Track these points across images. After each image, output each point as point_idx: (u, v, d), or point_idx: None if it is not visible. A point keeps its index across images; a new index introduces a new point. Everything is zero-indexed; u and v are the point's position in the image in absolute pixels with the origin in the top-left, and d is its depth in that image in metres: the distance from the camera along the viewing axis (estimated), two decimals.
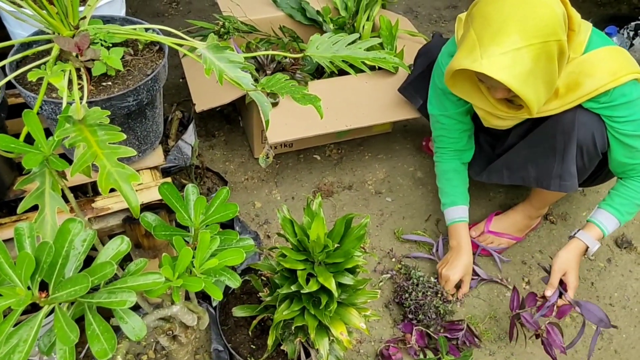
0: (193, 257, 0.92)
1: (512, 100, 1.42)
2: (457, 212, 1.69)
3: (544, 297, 1.50)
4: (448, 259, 1.67)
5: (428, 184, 2.02)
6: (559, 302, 1.48)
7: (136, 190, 1.24)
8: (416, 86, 1.79)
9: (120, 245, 0.84)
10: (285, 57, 1.85)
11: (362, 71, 1.88)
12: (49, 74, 0.88)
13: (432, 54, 1.66)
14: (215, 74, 1.02)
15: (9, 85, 1.14)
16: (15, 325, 0.75)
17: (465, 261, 1.64)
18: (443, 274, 1.64)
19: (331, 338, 1.23)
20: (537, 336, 1.46)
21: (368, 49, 1.15)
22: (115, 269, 0.79)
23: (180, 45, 1.08)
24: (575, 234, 1.54)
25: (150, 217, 1.00)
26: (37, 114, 0.99)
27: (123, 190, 0.83)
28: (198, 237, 0.93)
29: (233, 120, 2.19)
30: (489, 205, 1.95)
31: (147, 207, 1.25)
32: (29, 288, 0.77)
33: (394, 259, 1.77)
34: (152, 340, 1.42)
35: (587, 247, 1.52)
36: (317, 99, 1.00)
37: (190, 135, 1.76)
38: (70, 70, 1.00)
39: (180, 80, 2.31)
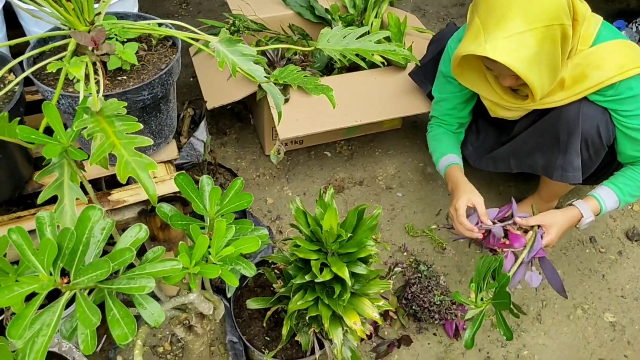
0: (209, 246, 0.94)
1: (517, 90, 1.42)
2: (448, 159, 1.63)
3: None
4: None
5: (438, 179, 2.02)
6: (518, 221, 1.44)
7: None
8: (426, 72, 1.80)
9: (138, 232, 0.86)
10: (296, 54, 1.87)
11: (374, 66, 1.91)
12: (68, 65, 0.90)
13: (445, 41, 1.67)
14: (229, 66, 1.04)
15: (27, 82, 1.17)
16: (39, 310, 0.77)
17: (466, 191, 1.52)
18: (450, 214, 1.54)
19: (345, 328, 1.24)
20: (493, 251, 1.44)
21: (378, 42, 1.17)
22: (134, 255, 0.81)
23: (194, 39, 1.10)
24: (573, 202, 1.51)
25: (166, 208, 1.02)
26: (56, 106, 1.01)
27: (141, 179, 0.85)
28: (214, 226, 0.95)
29: (244, 118, 2.21)
30: (499, 200, 1.96)
31: (161, 200, 1.26)
32: (51, 275, 0.79)
33: (405, 253, 1.78)
34: (167, 332, 1.44)
35: (581, 217, 1.48)
36: (329, 89, 1.02)
37: (202, 132, 1.78)
38: (87, 64, 1.02)
39: (191, 79, 2.33)
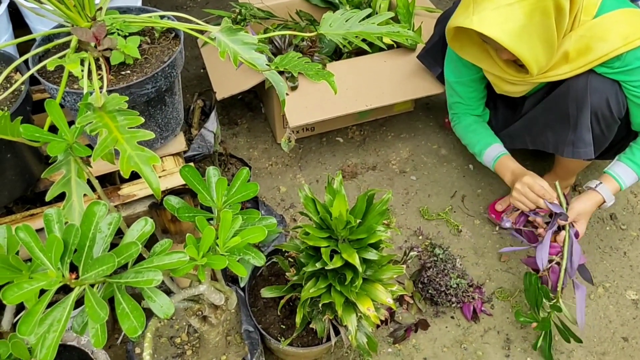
0: (217, 237, 0.94)
1: (521, 65, 1.39)
2: (495, 150, 1.62)
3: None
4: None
5: (452, 161, 2.00)
6: (559, 239, 1.43)
7: (160, 177, 1.27)
8: (434, 54, 1.77)
9: (144, 226, 0.87)
10: (303, 40, 1.85)
11: (380, 50, 1.88)
12: (67, 62, 0.90)
13: None
14: (230, 56, 1.03)
15: (33, 81, 1.18)
16: (49, 307, 0.78)
17: (534, 175, 1.51)
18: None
19: (359, 314, 1.23)
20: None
21: (381, 24, 1.15)
22: (140, 249, 0.81)
23: (196, 31, 1.09)
24: (596, 186, 1.48)
25: (173, 200, 1.03)
26: (60, 105, 1.02)
27: (143, 172, 0.85)
28: (220, 217, 0.95)
29: (255, 107, 2.20)
30: None
31: (171, 193, 1.27)
32: (59, 270, 0.80)
33: (420, 237, 1.77)
34: (184, 323, 1.45)
35: (604, 201, 1.47)
36: (330, 75, 1.00)
37: (212, 123, 1.78)
38: (89, 60, 1.02)
39: (201, 70, 2.33)
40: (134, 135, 0.87)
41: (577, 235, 1.42)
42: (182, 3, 2.75)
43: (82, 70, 0.97)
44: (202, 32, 1.11)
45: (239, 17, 1.93)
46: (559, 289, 1.38)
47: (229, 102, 2.18)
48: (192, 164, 1.29)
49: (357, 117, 2.06)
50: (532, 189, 1.46)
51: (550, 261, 1.41)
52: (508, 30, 1.20)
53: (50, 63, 0.91)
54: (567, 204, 1.45)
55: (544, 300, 1.42)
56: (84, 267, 0.81)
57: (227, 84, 1.85)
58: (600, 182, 1.48)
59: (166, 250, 0.89)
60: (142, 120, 0.87)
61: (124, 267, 0.85)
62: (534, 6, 1.19)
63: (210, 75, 1.91)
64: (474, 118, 1.68)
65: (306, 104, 1.77)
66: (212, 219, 1.04)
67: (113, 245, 0.87)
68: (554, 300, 1.39)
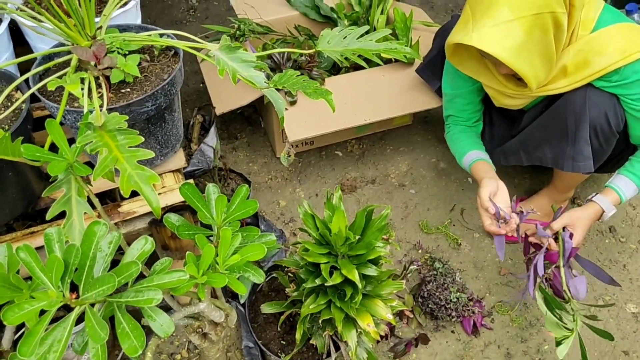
0: (217, 255, 0.94)
1: (520, 78, 1.41)
2: (472, 155, 1.61)
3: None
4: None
5: (451, 174, 2.00)
6: (552, 245, 1.42)
7: (159, 194, 1.27)
8: (433, 68, 1.79)
9: (144, 245, 0.87)
10: (301, 55, 1.86)
11: (377, 65, 1.90)
12: (67, 82, 0.91)
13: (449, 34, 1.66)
14: (229, 74, 1.04)
15: (34, 98, 1.18)
16: (50, 325, 0.78)
17: (490, 184, 1.46)
18: (480, 212, 1.47)
19: (359, 330, 1.23)
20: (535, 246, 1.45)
21: (379, 41, 1.16)
22: (141, 268, 0.81)
23: (194, 48, 1.10)
24: (592, 197, 1.50)
25: (173, 218, 1.03)
26: (61, 123, 1.02)
27: (144, 192, 0.85)
28: (220, 235, 0.95)
29: (254, 121, 2.21)
30: (515, 192, 1.93)
31: (171, 209, 1.27)
32: (60, 290, 0.80)
33: (420, 251, 1.77)
34: (184, 340, 1.45)
35: (603, 212, 1.48)
36: (329, 93, 1.01)
37: (212, 138, 1.79)
38: (89, 79, 1.03)
39: (201, 85, 2.35)
40: (134, 155, 0.88)
41: (571, 237, 1.43)
42: (182, 18, 2.77)
43: (82, 89, 0.98)
44: (201, 50, 1.12)
45: (237, 32, 1.94)
46: (564, 287, 1.37)
47: (228, 117, 2.19)
48: (191, 180, 1.29)
49: (356, 131, 2.07)
50: (480, 204, 1.46)
51: (547, 268, 1.42)
52: (507, 46, 1.21)
53: (50, 83, 0.92)
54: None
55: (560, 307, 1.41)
56: (85, 287, 0.81)
57: (226, 98, 1.86)
58: (597, 193, 1.49)
59: (166, 268, 0.89)
60: (142, 139, 0.88)
61: (124, 286, 0.85)
62: (533, 23, 1.21)
63: (210, 90, 1.92)
64: (464, 128, 1.69)
65: (305, 118, 1.78)
66: (211, 235, 1.05)
67: (114, 262, 0.88)
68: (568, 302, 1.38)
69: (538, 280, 1.38)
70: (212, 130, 1.81)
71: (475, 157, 1.60)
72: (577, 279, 1.37)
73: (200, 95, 2.30)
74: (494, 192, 1.44)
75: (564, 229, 1.44)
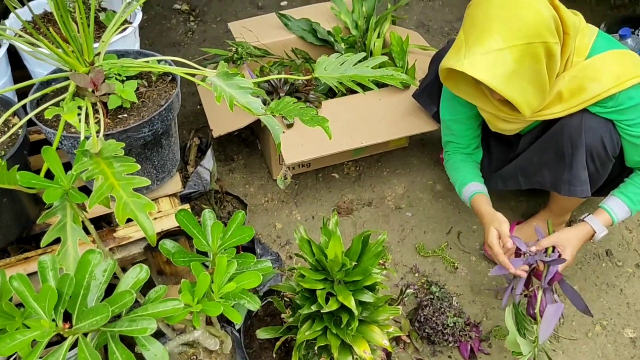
0: (212, 282, 0.94)
1: None
2: (471, 188, 1.62)
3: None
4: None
5: (448, 197, 2.01)
6: (540, 265, 1.42)
7: (155, 218, 1.27)
8: (430, 92, 1.80)
9: (139, 273, 0.87)
10: (298, 79, 1.88)
11: (383, 85, 1.91)
12: (65, 111, 0.91)
13: None
14: (226, 100, 1.04)
15: (31, 121, 1.19)
16: (43, 356, 0.77)
17: (491, 221, 1.50)
18: (487, 251, 1.53)
19: (355, 357, 1.22)
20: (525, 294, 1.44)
21: (375, 67, 1.17)
22: (135, 297, 0.81)
23: (192, 75, 1.11)
24: (584, 217, 1.50)
25: (169, 245, 1.03)
26: (58, 148, 1.02)
27: (139, 220, 0.85)
28: (216, 262, 0.95)
29: (251, 143, 2.22)
30: (511, 215, 1.93)
31: (167, 234, 1.27)
32: (53, 320, 0.79)
33: (417, 274, 1.76)
34: None
35: (594, 233, 1.48)
36: (325, 120, 1.02)
37: (208, 161, 1.79)
38: (86, 106, 1.03)
39: (198, 107, 2.35)
40: (130, 182, 0.88)
41: (560, 259, 1.42)
42: (180, 40, 2.79)
43: (80, 115, 0.98)
44: (197, 76, 1.13)
45: (235, 55, 1.96)
46: (537, 310, 1.37)
47: (225, 138, 2.20)
48: (187, 206, 1.29)
49: (353, 153, 2.07)
50: (491, 249, 1.48)
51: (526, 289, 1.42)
52: (498, 74, 1.23)
53: (48, 112, 0.92)
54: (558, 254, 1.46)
55: (526, 326, 1.41)
56: (78, 317, 0.81)
57: (223, 121, 1.86)
58: (590, 214, 1.49)
59: (161, 297, 0.89)
60: (138, 167, 0.88)
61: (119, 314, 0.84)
62: (523, 52, 1.22)
63: (207, 113, 1.92)
64: (463, 156, 1.69)
65: (302, 141, 1.79)
66: (207, 262, 1.04)
67: (110, 285, 0.87)
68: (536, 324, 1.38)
69: (515, 294, 1.40)
70: (209, 152, 1.81)
71: (475, 190, 1.61)
72: (554, 306, 1.37)
73: (198, 117, 2.30)
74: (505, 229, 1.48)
75: (553, 248, 1.44)
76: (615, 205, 1.48)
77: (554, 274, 1.39)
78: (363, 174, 2.10)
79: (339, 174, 2.10)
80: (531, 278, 1.45)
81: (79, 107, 0.99)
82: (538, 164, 1.52)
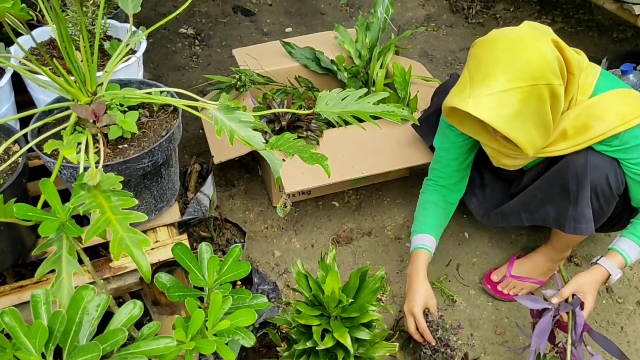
0: (206, 318, 0.93)
1: None
2: (423, 240, 1.63)
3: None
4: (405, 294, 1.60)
5: (448, 228, 1.99)
6: (564, 317, 1.39)
7: (152, 248, 1.26)
8: (429, 124, 1.80)
9: (132, 309, 0.86)
10: (300, 107, 1.88)
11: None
12: (64, 145, 0.91)
13: (448, 93, 1.68)
14: (227, 134, 1.04)
15: (32, 147, 1.19)
16: None
17: (423, 289, 1.54)
18: (405, 311, 1.52)
19: None
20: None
21: (376, 103, 1.17)
22: (127, 336, 0.80)
23: (193, 107, 1.11)
24: (597, 260, 1.49)
25: (164, 278, 1.02)
26: (57, 176, 1.02)
27: (135, 256, 0.84)
28: (211, 299, 0.94)
29: (252, 169, 2.22)
30: (511, 248, 1.92)
31: (164, 264, 1.26)
32: (43, 355, 0.79)
33: None
34: None
35: (609, 275, 1.46)
36: (324, 159, 1.02)
37: (208, 187, 1.79)
38: (86, 136, 1.03)
39: (200, 131, 2.36)
40: (127, 217, 0.88)
41: (582, 306, 1.39)
42: (184, 64, 2.82)
43: (79, 147, 0.98)
44: (201, 109, 1.14)
45: (238, 83, 1.97)
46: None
47: (226, 164, 2.19)
48: (185, 236, 1.28)
49: (353, 182, 2.07)
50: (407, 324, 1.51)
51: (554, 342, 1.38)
52: (502, 115, 1.23)
53: (47, 145, 0.93)
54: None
55: None
56: (69, 354, 0.80)
57: (224, 147, 1.87)
58: (602, 256, 1.48)
59: (153, 333, 0.88)
60: (136, 202, 0.87)
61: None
62: (528, 93, 1.22)
63: (209, 139, 1.93)
64: (438, 197, 1.69)
65: (302, 169, 1.79)
66: (202, 297, 1.03)
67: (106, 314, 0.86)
68: None
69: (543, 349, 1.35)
70: (209, 179, 1.81)
71: (422, 244, 1.63)
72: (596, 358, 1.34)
73: (200, 142, 2.31)
74: (426, 307, 1.51)
75: (572, 296, 1.42)
76: (627, 247, 1.47)
77: (582, 324, 1.36)
78: (363, 203, 2.10)
79: (339, 202, 2.10)
80: (554, 331, 1.41)
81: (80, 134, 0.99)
82: (542, 200, 1.51)
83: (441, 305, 1.76)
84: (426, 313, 1.51)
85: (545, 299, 1.46)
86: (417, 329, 1.49)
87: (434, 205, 1.68)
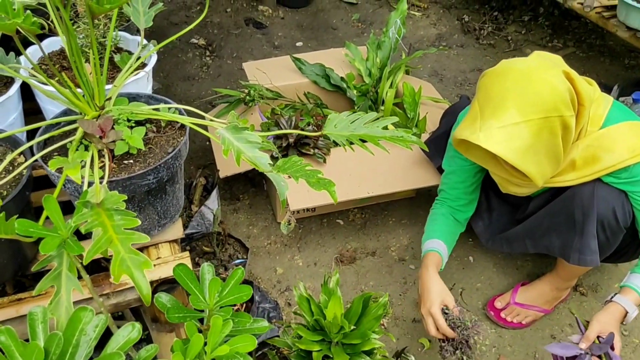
0: (205, 341, 0.91)
1: None
2: (432, 243, 1.60)
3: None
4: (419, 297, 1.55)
5: (452, 252, 1.96)
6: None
7: (154, 265, 1.25)
8: (437, 145, 1.79)
9: (130, 332, 0.84)
10: (309, 124, 1.88)
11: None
12: (69, 163, 0.90)
13: (457, 115, 1.66)
14: (233, 154, 1.03)
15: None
16: None
17: (437, 287, 1.49)
18: (423, 314, 1.46)
19: None
20: None
21: (385, 128, 1.16)
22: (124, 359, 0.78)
23: (201, 126, 1.10)
24: (612, 298, 1.45)
25: (164, 298, 1.00)
26: (61, 189, 1.01)
27: (135, 279, 0.83)
28: (211, 323, 0.92)
29: (258, 183, 2.21)
30: (517, 274, 1.90)
31: (165, 281, 1.25)
32: None
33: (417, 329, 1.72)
34: None
35: (626, 313, 1.42)
36: (331, 185, 1.00)
37: (213, 202, 1.78)
38: (92, 151, 1.03)
39: (207, 143, 2.35)
40: (129, 237, 0.86)
41: (612, 348, 1.36)
42: (194, 74, 2.82)
43: (84, 163, 0.97)
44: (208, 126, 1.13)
45: (247, 97, 1.96)
46: None
47: (232, 177, 2.18)
48: (187, 254, 1.27)
49: (358, 201, 2.06)
50: (426, 324, 1.44)
51: None
52: (514, 148, 1.21)
53: (52, 163, 0.92)
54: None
55: None
56: None
57: (231, 162, 1.85)
58: (616, 294, 1.45)
59: (151, 357, 0.86)
60: (139, 222, 0.86)
61: None
62: (540, 126, 1.21)
63: (215, 153, 1.92)
64: (446, 210, 1.67)
65: (308, 187, 1.76)
66: (202, 318, 1.02)
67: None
68: None
69: None
70: (214, 193, 1.80)
71: (434, 247, 1.59)
72: None
73: (206, 153, 2.30)
74: (443, 304, 1.45)
75: (598, 338, 1.37)
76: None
77: None
78: (368, 222, 2.08)
79: (344, 221, 2.08)
80: None
81: (85, 149, 0.98)
82: (547, 228, 1.49)
83: None
84: (445, 312, 1.43)
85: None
86: (437, 329, 1.41)
87: (442, 217, 1.67)
